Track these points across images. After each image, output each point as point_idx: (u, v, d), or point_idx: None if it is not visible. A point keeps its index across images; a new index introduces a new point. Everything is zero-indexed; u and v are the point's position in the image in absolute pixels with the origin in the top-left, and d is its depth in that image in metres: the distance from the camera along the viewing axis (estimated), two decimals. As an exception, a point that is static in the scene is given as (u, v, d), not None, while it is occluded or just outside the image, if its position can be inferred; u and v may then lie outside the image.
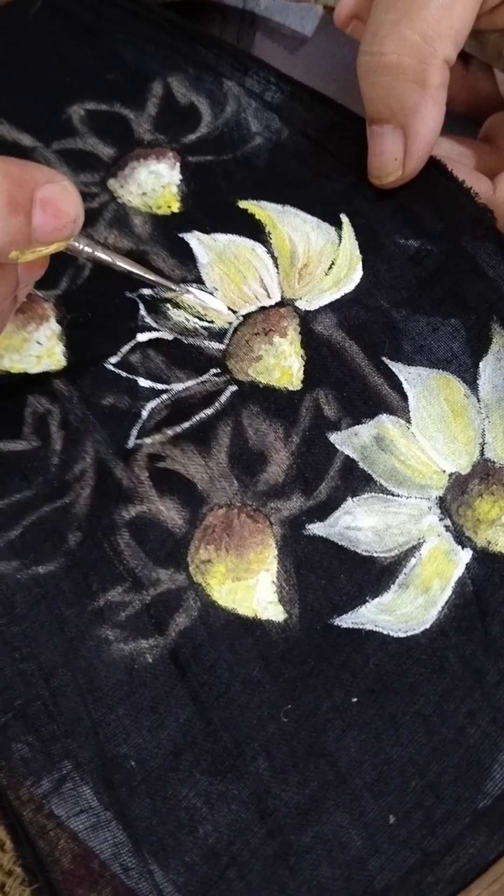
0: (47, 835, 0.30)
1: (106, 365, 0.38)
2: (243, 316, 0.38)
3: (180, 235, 0.40)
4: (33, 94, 0.45)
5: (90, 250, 0.33)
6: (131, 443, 0.36)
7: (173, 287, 0.37)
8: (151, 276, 0.36)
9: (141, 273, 0.36)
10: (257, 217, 0.40)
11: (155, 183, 0.41)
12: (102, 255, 0.34)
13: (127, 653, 0.33)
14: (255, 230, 0.40)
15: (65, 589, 0.34)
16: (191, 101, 0.44)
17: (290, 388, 0.36)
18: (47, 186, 0.29)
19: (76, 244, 0.33)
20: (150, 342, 0.38)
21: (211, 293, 0.39)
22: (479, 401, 0.36)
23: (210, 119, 0.43)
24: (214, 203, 0.41)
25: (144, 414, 0.37)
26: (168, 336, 0.38)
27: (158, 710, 0.32)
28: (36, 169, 0.29)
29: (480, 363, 0.36)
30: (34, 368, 0.38)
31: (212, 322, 0.38)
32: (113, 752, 0.32)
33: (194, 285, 0.39)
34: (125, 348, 0.38)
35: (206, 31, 0.46)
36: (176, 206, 0.41)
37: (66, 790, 0.31)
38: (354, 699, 0.32)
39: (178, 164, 0.42)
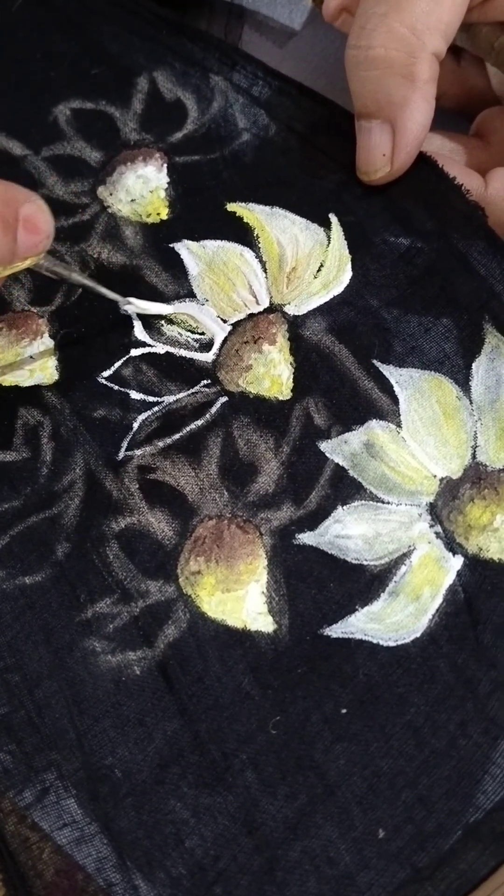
0: (30, 848, 0.30)
1: (98, 378, 0.38)
2: (232, 325, 0.38)
3: (170, 246, 0.40)
4: (19, 91, 0.44)
5: (50, 265, 0.35)
6: (121, 454, 0.36)
7: (118, 299, 0.38)
8: (102, 290, 0.37)
9: (91, 286, 0.37)
10: (246, 220, 0.39)
11: (143, 188, 0.41)
12: (61, 270, 0.35)
13: (114, 664, 0.33)
14: (243, 234, 0.39)
15: (52, 600, 0.34)
16: (177, 96, 0.43)
17: (281, 398, 0.36)
18: (27, 205, 0.31)
19: (42, 261, 0.34)
20: (143, 356, 0.38)
21: (202, 304, 0.38)
22: (471, 402, 0.35)
23: (196, 115, 0.42)
24: (203, 206, 0.40)
25: (135, 426, 0.36)
26: (160, 350, 0.37)
27: (145, 722, 0.32)
28: (17, 189, 0.31)
29: (473, 364, 0.36)
30: (26, 382, 0.38)
31: (203, 334, 0.38)
32: (98, 764, 0.31)
33: (187, 300, 0.39)
34: (118, 363, 0.38)
35: (193, 25, 0.45)
36: (165, 213, 0.41)
37: (49, 802, 0.31)
38: (344, 710, 0.31)
39: (165, 166, 0.41)
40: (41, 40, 0.46)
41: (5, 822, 0.31)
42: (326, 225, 0.39)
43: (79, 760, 0.31)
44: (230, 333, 0.38)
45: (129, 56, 0.44)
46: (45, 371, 0.38)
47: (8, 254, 0.31)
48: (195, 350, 0.37)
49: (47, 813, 0.31)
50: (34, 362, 0.38)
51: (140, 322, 0.38)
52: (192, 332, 0.38)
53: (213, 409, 0.36)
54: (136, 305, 0.38)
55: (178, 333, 0.38)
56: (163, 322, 0.38)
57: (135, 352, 0.38)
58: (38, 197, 0.31)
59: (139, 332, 0.38)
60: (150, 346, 0.38)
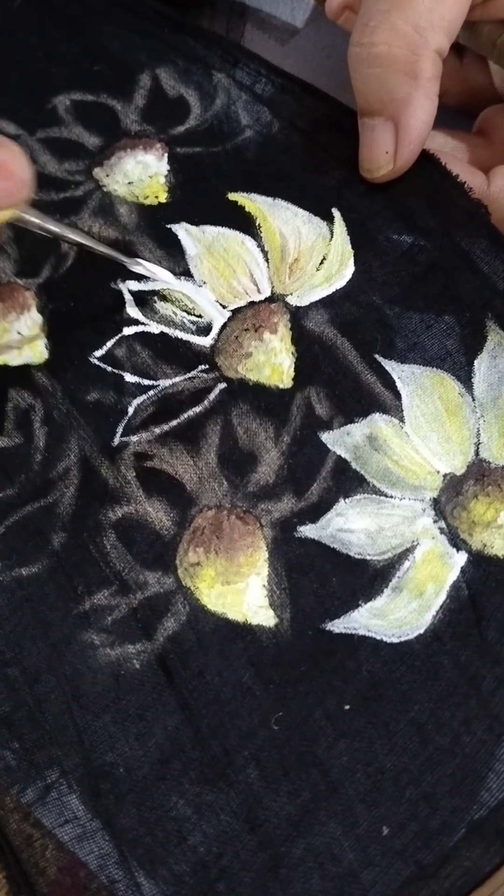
0: (33, 844, 0.30)
1: (90, 359, 0.37)
2: (232, 311, 0.37)
3: (168, 226, 0.39)
4: (18, 84, 0.44)
5: (38, 221, 0.33)
6: (117, 440, 0.35)
7: (124, 260, 0.36)
8: (102, 249, 0.35)
9: (91, 245, 0.35)
10: (247, 209, 0.39)
11: (142, 173, 0.41)
12: (52, 227, 0.34)
13: (113, 658, 0.32)
14: (244, 223, 0.39)
15: (49, 592, 0.33)
16: (179, 93, 0.43)
17: (281, 386, 0.36)
18: None
19: (26, 215, 0.32)
20: (136, 335, 0.37)
21: (200, 286, 0.38)
22: (473, 399, 0.35)
23: (199, 111, 0.42)
24: (203, 194, 0.40)
25: (130, 410, 0.36)
26: (154, 330, 0.37)
27: (146, 717, 0.31)
28: None
29: (475, 361, 0.36)
30: (15, 360, 0.37)
31: (200, 316, 0.37)
32: (99, 760, 0.31)
33: (183, 278, 0.38)
34: (110, 342, 0.37)
35: (196, 23, 0.45)
36: (163, 197, 0.40)
37: (51, 799, 0.30)
38: (347, 706, 0.31)
39: (165, 155, 0.41)
40: (42, 39, 0.45)
41: (8, 819, 0.30)
42: (329, 219, 0.38)
43: (80, 756, 0.31)
44: (229, 319, 0.37)
45: (131, 54, 0.44)
46: (34, 349, 0.37)
47: None
48: (191, 333, 0.37)
49: (49, 810, 0.30)
50: (22, 339, 0.37)
51: (132, 298, 0.38)
52: (188, 314, 0.37)
53: (212, 396, 0.36)
54: (145, 266, 0.37)
55: (173, 313, 0.37)
56: (156, 298, 0.38)
57: (127, 330, 0.37)
58: (12, 142, 0.30)
59: (131, 308, 0.38)
60: (143, 324, 0.37)
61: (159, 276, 0.37)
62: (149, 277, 0.37)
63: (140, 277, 0.38)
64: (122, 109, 0.43)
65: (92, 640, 0.32)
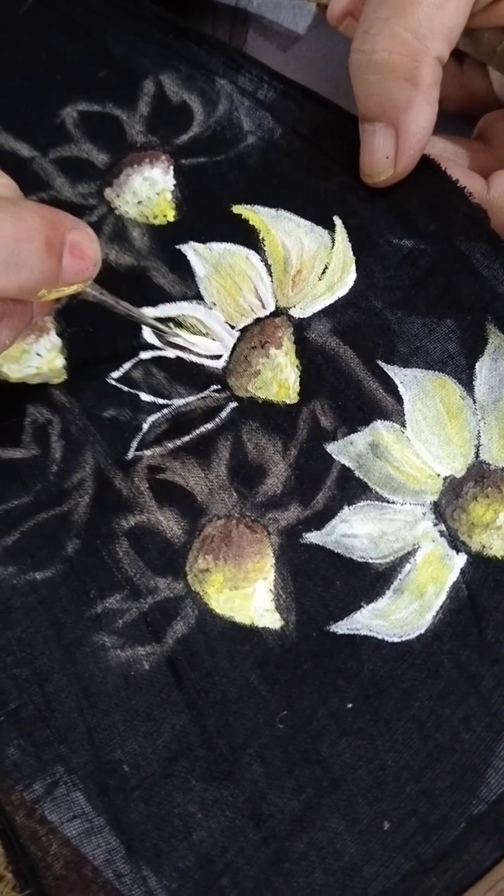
0: (39, 840, 0.31)
1: (108, 379, 0.38)
2: (240, 330, 0.38)
3: (177, 248, 0.40)
4: (26, 94, 0.45)
5: (98, 294, 0.34)
6: (131, 454, 0.36)
7: (165, 332, 0.37)
8: (147, 321, 0.37)
9: (137, 317, 0.36)
10: (251, 222, 0.40)
11: (150, 190, 0.41)
12: (109, 300, 0.35)
13: (123, 659, 0.33)
14: (249, 236, 0.39)
15: (62, 595, 0.34)
16: (183, 99, 0.43)
17: (288, 402, 0.36)
18: (75, 231, 0.31)
19: (90, 290, 0.34)
20: (153, 359, 0.38)
21: (210, 308, 0.39)
22: (474, 402, 0.35)
23: (202, 118, 0.43)
24: (209, 208, 0.40)
25: (145, 427, 0.37)
26: (170, 354, 0.38)
27: (154, 717, 0.32)
28: (65, 215, 0.31)
29: (476, 364, 0.36)
30: (34, 380, 0.38)
31: (213, 339, 0.38)
32: (107, 758, 0.32)
33: (195, 301, 0.39)
34: (127, 364, 0.38)
35: (198, 29, 0.45)
36: (171, 215, 0.41)
37: (58, 795, 0.31)
38: (349, 705, 0.32)
39: (171, 168, 0.42)
40: (47, 44, 0.46)
41: (15, 815, 0.31)
42: (331, 227, 0.39)
43: (88, 754, 0.32)
44: (239, 339, 0.38)
45: (135, 59, 0.44)
46: (52, 369, 0.38)
47: (52, 276, 0.31)
48: (206, 357, 0.38)
49: (57, 806, 0.31)
50: (41, 360, 0.38)
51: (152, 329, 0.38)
52: (203, 337, 0.38)
53: (223, 414, 0.37)
54: (184, 338, 0.38)
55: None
56: (171, 325, 0.38)
57: (144, 354, 0.38)
58: (87, 226, 0.32)
59: (148, 334, 0.38)
60: (159, 349, 0.38)
61: (199, 350, 0.38)
62: (156, 329, 0.38)
63: (155, 304, 0.39)
64: (126, 119, 0.43)
65: (103, 642, 0.33)
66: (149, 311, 0.38)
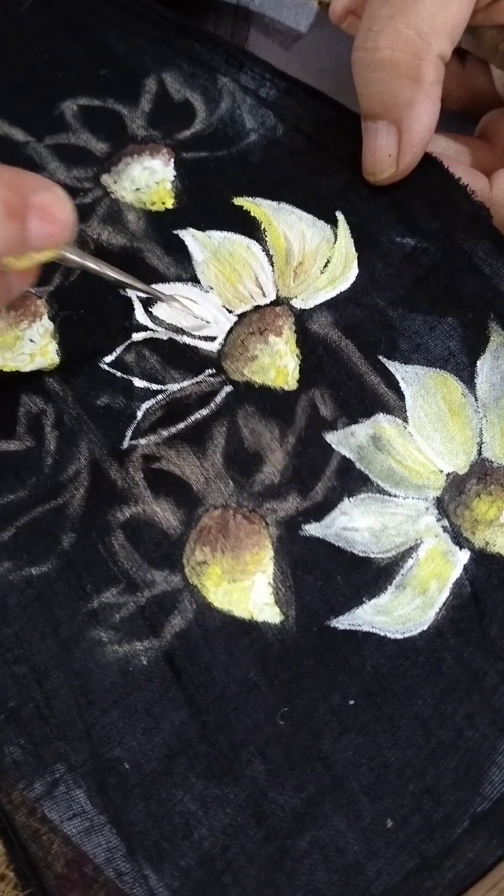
0: (40, 839, 0.30)
1: (100, 364, 0.37)
2: (238, 315, 0.38)
3: (175, 232, 0.40)
4: (25, 89, 0.45)
5: (80, 259, 0.33)
6: (126, 443, 0.36)
7: (161, 297, 0.37)
8: (140, 286, 0.36)
9: (129, 282, 0.36)
10: (253, 214, 0.40)
11: (149, 179, 0.41)
12: (91, 265, 0.34)
13: (121, 655, 0.33)
14: (250, 227, 0.39)
15: (58, 590, 0.34)
16: (185, 97, 0.43)
17: (286, 388, 0.36)
18: (41, 193, 0.29)
19: (67, 254, 0.33)
20: (145, 341, 0.38)
21: (206, 292, 0.38)
22: (476, 400, 0.35)
23: (204, 115, 0.43)
24: (209, 199, 0.40)
25: (139, 414, 0.36)
26: (163, 336, 0.37)
27: (153, 713, 0.32)
28: (30, 176, 0.30)
29: (478, 362, 0.36)
30: (27, 367, 0.38)
31: (207, 322, 0.38)
32: (106, 756, 0.31)
33: (190, 283, 0.38)
34: (119, 348, 0.38)
35: (200, 27, 0.45)
36: (170, 203, 0.41)
37: (58, 794, 0.31)
38: (351, 702, 0.31)
39: (172, 161, 0.41)
40: (48, 43, 0.46)
41: (15, 814, 0.30)
42: (333, 222, 0.39)
43: (87, 751, 0.31)
44: (236, 324, 0.38)
45: (137, 58, 0.45)
46: (45, 355, 0.38)
47: (16, 243, 0.29)
48: (199, 338, 0.38)
49: (57, 804, 0.31)
50: (34, 346, 0.38)
51: (141, 305, 0.38)
52: (196, 304, 0.38)
53: (218, 399, 0.36)
54: (181, 303, 0.37)
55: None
56: (164, 305, 0.38)
57: (136, 336, 0.38)
58: (56, 185, 0.30)
59: (140, 315, 0.38)
60: (151, 330, 0.38)
61: (196, 314, 0.38)
62: (152, 295, 0.37)
63: (148, 284, 0.38)
64: (128, 115, 0.43)
65: (100, 638, 0.33)
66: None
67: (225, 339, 0.37)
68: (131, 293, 0.38)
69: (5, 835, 0.30)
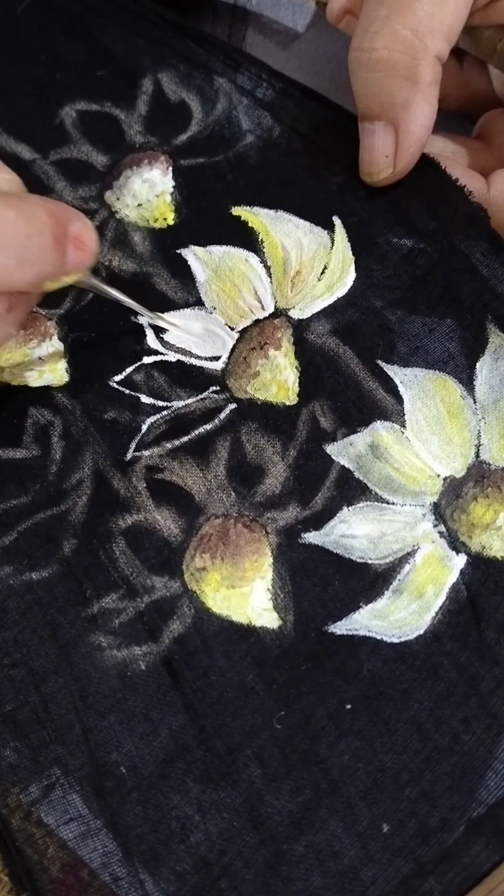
0: (36, 843, 0.30)
1: (110, 382, 0.38)
2: (239, 332, 0.38)
3: (178, 252, 0.40)
4: (25, 93, 0.45)
5: (89, 280, 0.35)
6: (129, 455, 0.36)
7: (166, 322, 0.38)
8: (135, 306, 0.37)
9: (129, 303, 0.37)
10: (250, 224, 0.40)
11: (149, 193, 0.41)
12: (98, 284, 0.36)
13: (120, 659, 0.33)
14: (248, 238, 0.39)
15: (58, 595, 0.34)
16: (181, 98, 0.43)
17: (287, 403, 0.36)
18: (75, 223, 0.32)
19: (87, 279, 0.35)
20: (155, 363, 0.38)
21: (210, 313, 0.38)
22: (475, 402, 0.35)
23: (201, 117, 0.42)
24: (208, 210, 0.40)
25: (144, 428, 0.37)
26: (171, 358, 0.38)
27: (151, 717, 0.32)
28: (67, 208, 0.33)
29: (477, 364, 0.36)
30: (35, 382, 0.38)
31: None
32: (104, 760, 0.31)
33: (196, 307, 0.39)
34: (129, 368, 0.38)
35: (197, 27, 0.45)
36: (171, 218, 0.41)
37: (55, 797, 0.31)
38: (348, 706, 0.32)
39: (170, 170, 0.41)
40: (45, 43, 0.46)
41: (11, 817, 0.31)
42: (330, 227, 0.39)
43: (84, 755, 0.32)
44: (238, 341, 0.38)
45: (134, 57, 0.44)
46: (55, 373, 0.38)
47: (59, 268, 0.32)
48: (205, 359, 0.38)
49: (53, 808, 0.31)
50: (43, 364, 0.38)
51: (152, 331, 0.38)
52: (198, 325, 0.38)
53: (222, 415, 0.36)
54: (166, 322, 0.38)
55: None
56: (175, 331, 0.38)
57: (147, 359, 0.38)
58: (84, 216, 0.33)
59: (152, 340, 0.38)
60: (161, 354, 0.38)
61: (189, 343, 0.38)
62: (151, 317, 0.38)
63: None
64: (125, 119, 0.43)
65: (99, 642, 0.33)
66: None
67: (228, 357, 0.38)
68: (143, 320, 0.39)
69: (0, 838, 0.31)
